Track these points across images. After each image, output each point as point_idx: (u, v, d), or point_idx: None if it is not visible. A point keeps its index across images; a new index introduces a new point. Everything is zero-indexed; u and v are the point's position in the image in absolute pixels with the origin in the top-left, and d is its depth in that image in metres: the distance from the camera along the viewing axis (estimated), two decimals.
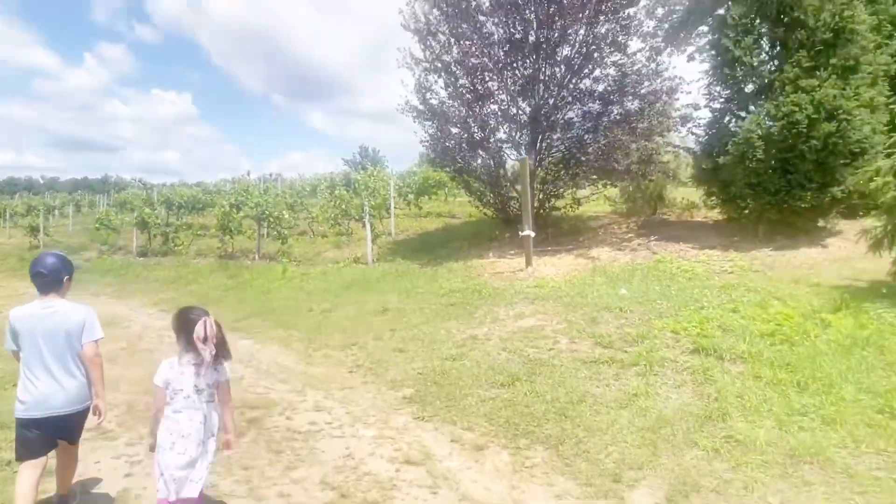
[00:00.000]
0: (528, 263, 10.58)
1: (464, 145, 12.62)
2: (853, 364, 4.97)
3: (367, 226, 13.39)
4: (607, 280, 9.10)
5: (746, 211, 10.66)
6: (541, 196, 12.93)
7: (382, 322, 8.25)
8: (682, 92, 12.00)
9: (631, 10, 11.69)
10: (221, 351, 3.03)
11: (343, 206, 14.58)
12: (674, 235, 12.15)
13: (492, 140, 12.30)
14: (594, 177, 11.65)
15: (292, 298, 10.87)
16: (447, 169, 13.89)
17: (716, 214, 14.05)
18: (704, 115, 11.99)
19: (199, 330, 2.91)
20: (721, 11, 10.69)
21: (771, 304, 6.65)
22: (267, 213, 15.28)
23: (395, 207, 17.81)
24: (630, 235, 12.89)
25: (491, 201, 13.58)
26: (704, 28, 11.46)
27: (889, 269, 7.43)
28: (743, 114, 11.03)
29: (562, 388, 5.14)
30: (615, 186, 12.85)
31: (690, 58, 12.06)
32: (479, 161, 12.70)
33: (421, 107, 13.14)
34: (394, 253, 14.33)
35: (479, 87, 12.07)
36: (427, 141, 13.36)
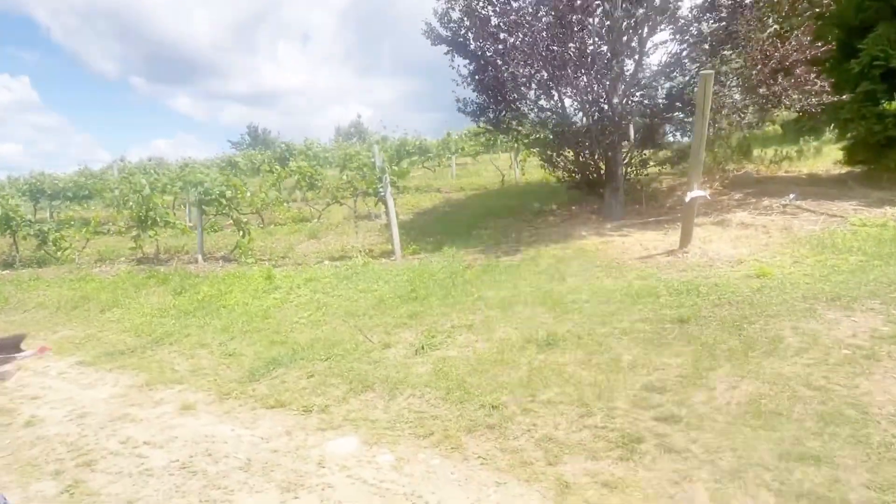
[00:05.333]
0: (687, 240, 7.06)
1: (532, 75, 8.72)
2: None
3: (390, 203, 9.11)
4: (866, 258, 5.85)
5: None
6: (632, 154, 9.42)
7: (614, 374, 4.31)
8: None
9: None
10: None
11: (348, 179, 9.96)
12: (807, 193, 9.24)
13: (582, 62, 8.47)
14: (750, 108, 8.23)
15: (324, 324, 6.49)
16: (486, 117, 9.90)
17: (808, 167, 11.49)
18: None
19: None
20: None
21: None
22: (214, 193, 10.34)
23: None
24: (739, 196, 9.82)
25: (556, 160, 9.83)
26: None
27: None
28: None
29: None
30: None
31: None
32: (547, 100, 8.88)
33: (449, 31, 9.04)
34: (413, 239, 10.16)
35: None
36: (466, 77, 9.33)
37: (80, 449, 3.95)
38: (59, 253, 12.40)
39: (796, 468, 2.84)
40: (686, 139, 10.01)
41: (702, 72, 6.29)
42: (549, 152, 9.79)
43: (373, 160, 13.05)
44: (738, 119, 8.29)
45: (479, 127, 10.94)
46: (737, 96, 7.94)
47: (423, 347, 5.26)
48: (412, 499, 3.03)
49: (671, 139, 9.77)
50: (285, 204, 13.85)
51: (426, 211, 13.04)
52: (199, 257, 10.74)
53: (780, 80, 7.82)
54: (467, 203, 13.14)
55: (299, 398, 4.68)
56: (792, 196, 8.83)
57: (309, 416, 4.33)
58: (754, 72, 7.83)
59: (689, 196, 6.74)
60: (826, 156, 11.87)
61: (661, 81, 9.04)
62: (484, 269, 7.52)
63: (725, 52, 8.46)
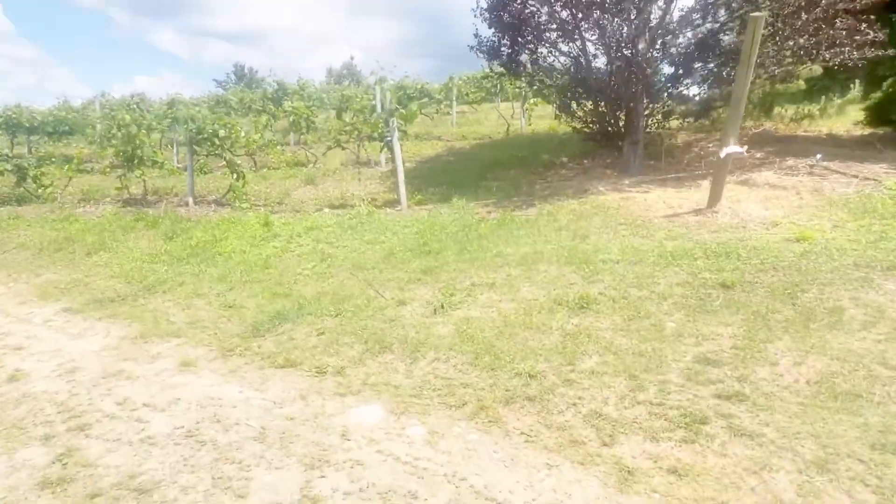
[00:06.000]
0: (717, 199, 6.68)
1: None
2: None
3: (396, 149, 8.54)
4: None
5: None
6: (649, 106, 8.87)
7: (659, 343, 3.97)
8: None
9: None
10: None
11: (350, 122, 9.26)
12: (832, 154, 8.83)
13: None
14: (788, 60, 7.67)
15: (330, 277, 6.07)
16: (500, 58, 9.24)
17: (828, 127, 11.03)
18: None
19: None
20: None
21: None
22: (206, 132, 9.66)
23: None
24: (761, 155, 9.38)
25: (574, 109, 9.26)
26: None
27: None
28: None
29: None
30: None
31: None
32: (567, 42, 8.24)
33: None
34: (417, 188, 9.65)
35: None
36: (483, 11, 8.64)
37: (71, 410, 3.56)
38: (39, 191, 11.71)
39: (893, 461, 2.53)
40: (703, 92, 9.45)
41: (751, 14, 5.73)
42: (566, 100, 9.20)
43: (373, 103, 12.36)
44: (773, 71, 7.76)
45: (490, 70, 10.28)
46: (773, 46, 7.37)
47: (442, 306, 4.88)
48: (455, 481, 2.69)
49: (690, 92, 9.17)
50: (279, 147, 13.18)
51: (429, 159, 12.45)
52: (190, 200, 10.17)
53: (823, 30, 7.26)
54: (472, 152, 12.57)
55: (311, 358, 4.31)
56: (818, 157, 8.41)
57: (323, 379, 3.96)
58: (799, 21, 7.25)
59: (724, 152, 6.29)
60: (847, 115, 11.41)
61: (690, 27, 8.41)
62: (499, 223, 7.09)
63: None
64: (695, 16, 8.42)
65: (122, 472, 2.85)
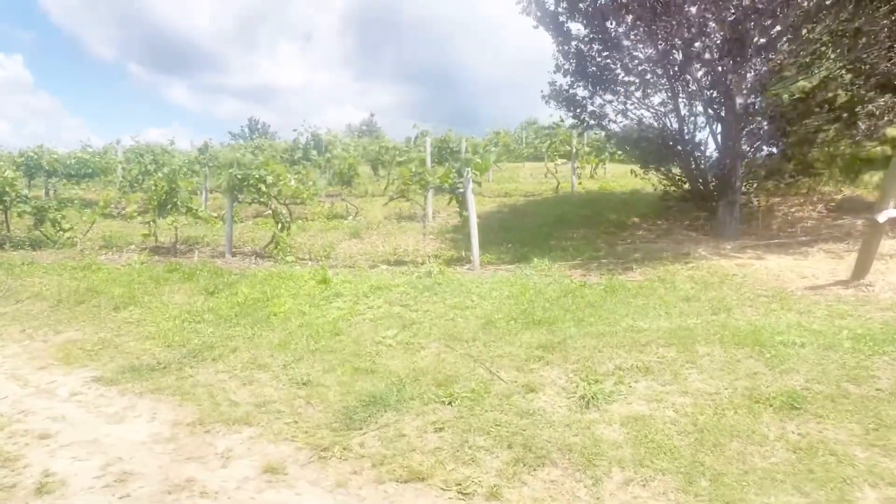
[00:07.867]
0: (865, 271, 5.70)
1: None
2: None
3: (470, 201, 7.67)
4: None
5: None
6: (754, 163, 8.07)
7: None
8: None
9: None
10: None
11: (419, 173, 8.38)
12: None
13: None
14: None
15: (421, 349, 5.00)
16: (574, 110, 8.50)
17: None
18: None
19: None
20: None
21: None
22: (252, 177, 8.79)
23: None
24: (863, 222, 8.49)
25: (663, 168, 8.44)
26: None
27: None
28: None
29: None
30: None
31: None
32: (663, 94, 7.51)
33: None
34: (481, 246, 8.67)
35: None
36: (564, 53, 7.96)
37: None
38: (58, 235, 10.75)
39: None
40: (806, 151, 8.63)
41: None
42: (655, 156, 8.38)
43: (423, 155, 11.64)
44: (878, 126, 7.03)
45: (559, 122, 9.57)
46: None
47: (594, 397, 3.79)
48: None
49: (792, 151, 8.35)
50: (316, 197, 12.41)
51: (482, 215, 11.51)
52: (227, 252, 9.19)
53: None
54: (527, 209, 11.72)
55: (440, 467, 3.21)
56: None
57: None
58: None
59: (883, 216, 5.37)
60: None
61: (794, 81, 7.72)
62: (606, 289, 6.07)
63: None
64: (796, 71, 7.74)
65: None
